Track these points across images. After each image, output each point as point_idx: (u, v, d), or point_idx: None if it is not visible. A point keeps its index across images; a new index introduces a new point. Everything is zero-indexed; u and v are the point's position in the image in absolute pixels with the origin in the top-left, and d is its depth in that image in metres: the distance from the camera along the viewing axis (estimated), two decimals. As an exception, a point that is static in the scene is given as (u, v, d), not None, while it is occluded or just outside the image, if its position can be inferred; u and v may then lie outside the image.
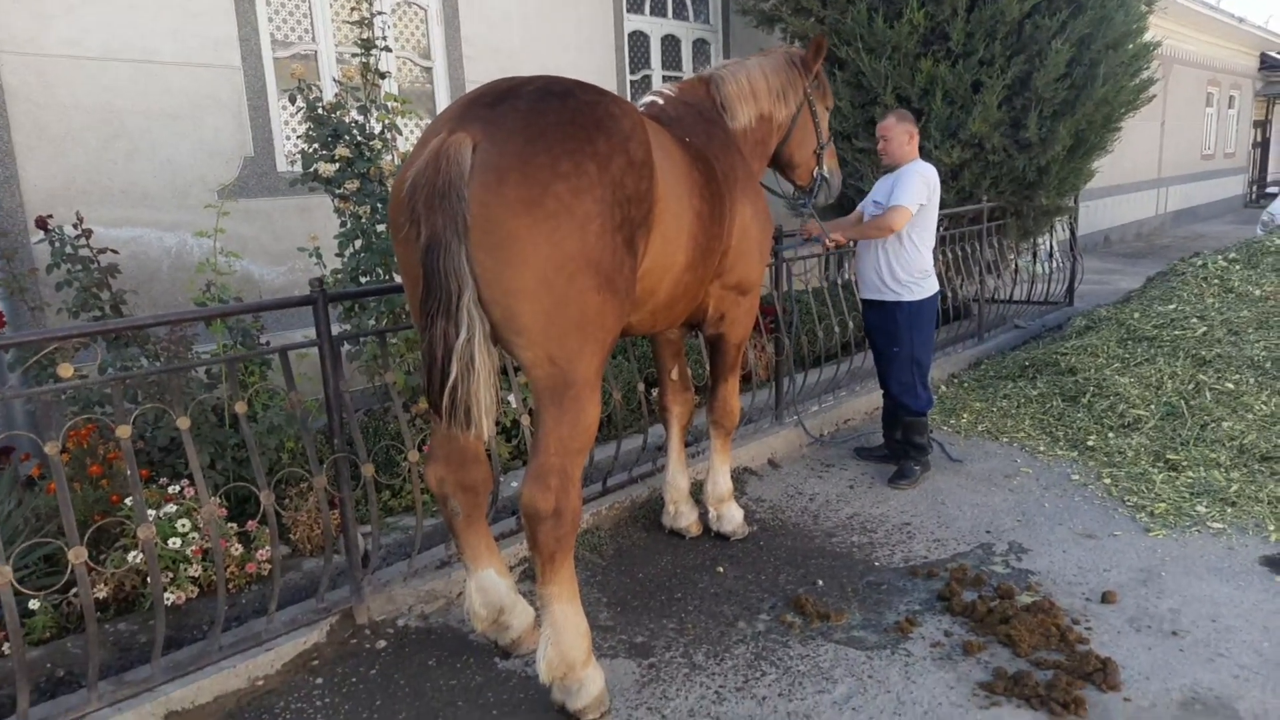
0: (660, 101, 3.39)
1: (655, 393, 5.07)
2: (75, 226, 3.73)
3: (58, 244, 3.79)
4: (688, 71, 7.96)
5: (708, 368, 3.82)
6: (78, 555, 2.31)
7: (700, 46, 8.11)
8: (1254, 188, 24.71)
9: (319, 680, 2.79)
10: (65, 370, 2.30)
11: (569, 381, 2.39)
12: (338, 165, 3.88)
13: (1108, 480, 4.33)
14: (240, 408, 2.79)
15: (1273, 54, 22.45)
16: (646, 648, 2.99)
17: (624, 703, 2.69)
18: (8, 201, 4.28)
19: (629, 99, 7.21)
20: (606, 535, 3.80)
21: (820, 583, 3.41)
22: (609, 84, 7.08)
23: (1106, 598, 3.22)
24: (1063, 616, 3.05)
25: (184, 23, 4.84)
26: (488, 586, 2.80)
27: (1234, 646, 2.89)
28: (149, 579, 3.06)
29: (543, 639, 2.54)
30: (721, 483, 3.80)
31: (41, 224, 3.81)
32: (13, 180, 4.32)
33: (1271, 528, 3.75)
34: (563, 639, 2.51)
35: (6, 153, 4.29)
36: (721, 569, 3.54)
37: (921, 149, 5.77)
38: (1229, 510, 3.91)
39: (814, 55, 3.83)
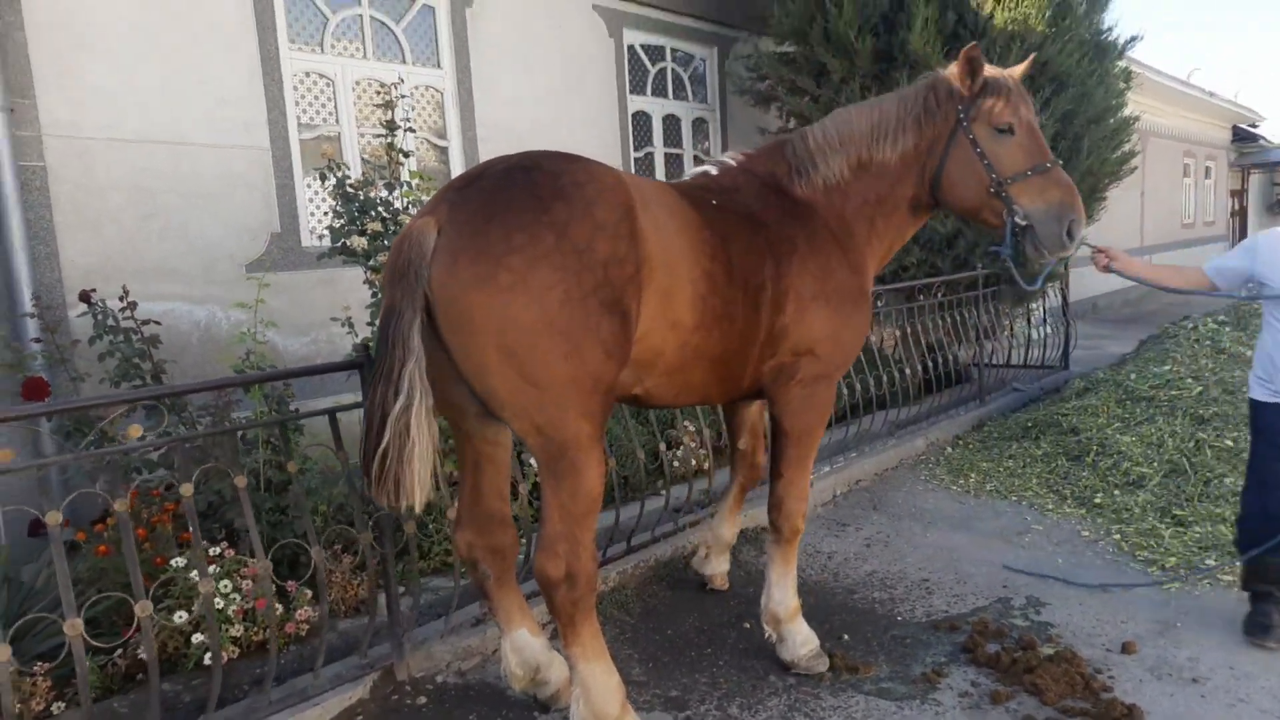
0: (714, 170, 3.20)
1: (679, 451, 5.22)
2: (121, 300, 3.88)
3: (100, 316, 3.93)
4: (688, 149, 8.30)
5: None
6: (144, 609, 2.40)
7: (699, 125, 8.46)
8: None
9: (363, 737, 2.83)
10: (135, 431, 2.42)
11: (561, 449, 2.43)
12: (369, 238, 4.06)
13: (1117, 536, 4.44)
14: (292, 467, 2.91)
15: (1243, 126, 23.32)
16: (681, 701, 3.04)
17: (664, 755, 2.74)
18: (48, 277, 4.44)
19: (634, 173, 7.51)
20: (633, 594, 3.87)
21: (846, 637, 3.48)
22: (614, 160, 7.37)
23: (1126, 648, 3.30)
24: (1085, 666, 3.12)
25: (216, 107, 5.09)
26: (522, 646, 2.88)
27: (1254, 692, 2.97)
28: (197, 636, 3.14)
29: (574, 698, 2.62)
30: (778, 597, 3.25)
31: (85, 298, 3.97)
32: (54, 257, 4.48)
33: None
34: (592, 696, 2.58)
35: (48, 231, 4.47)
36: (748, 625, 3.61)
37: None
38: (1239, 564, 4.01)
39: (964, 71, 3.06)
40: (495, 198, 2.41)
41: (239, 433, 3.93)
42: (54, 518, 2.28)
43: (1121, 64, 6.83)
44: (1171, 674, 3.11)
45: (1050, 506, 4.91)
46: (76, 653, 2.25)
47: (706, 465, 5.06)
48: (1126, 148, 7.14)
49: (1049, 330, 8.35)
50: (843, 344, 3.15)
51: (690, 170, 3.32)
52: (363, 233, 4.21)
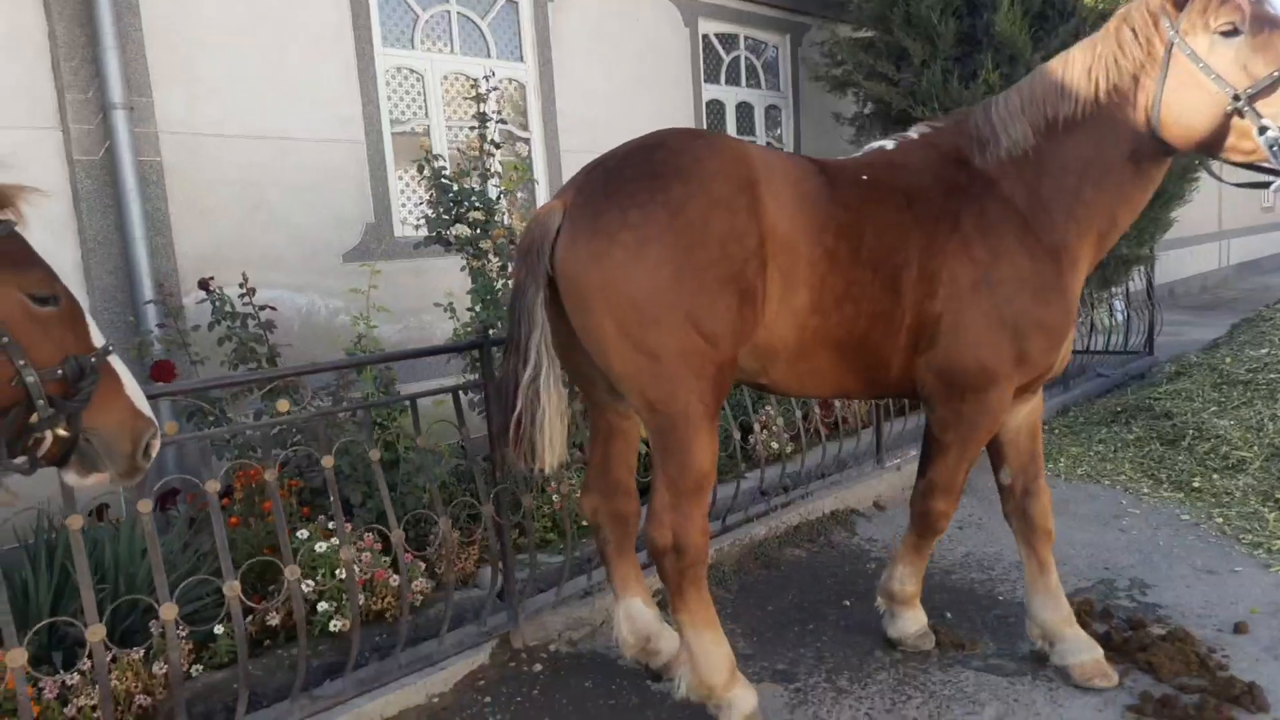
0: (890, 145, 2.97)
1: (752, 439, 5.26)
2: (241, 287, 4.08)
3: (218, 303, 4.14)
4: (760, 136, 8.30)
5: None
6: (232, 590, 2.51)
7: (771, 112, 8.46)
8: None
9: (488, 699, 2.95)
10: (283, 405, 2.57)
11: (671, 424, 2.49)
12: (473, 228, 4.18)
13: (1219, 519, 4.36)
14: (374, 455, 3.00)
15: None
16: (790, 674, 3.10)
17: (779, 721, 2.81)
18: (165, 266, 4.66)
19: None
20: (730, 571, 3.93)
21: (949, 615, 3.50)
22: (690, 150, 7.43)
23: (1239, 628, 3.26)
24: (1199, 645, 3.09)
25: (315, 104, 5.28)
26: (635, 614, 2.97)
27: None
28: (322, 604, 3.30)
29: (681, 663, 2.71)
30: (899, 577, 3.18)
31: (204, 285, 4.17)
32: (169, 248, 4.71)
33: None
34: (699, 665, 2.66)
35: (164, 223, 4.70)
36: (848, 603, 3.65)
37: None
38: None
39: None
40: (615, 177, 2.51)
41: (342, 413, 4.11)
42: (213, 485, 2.43)
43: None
44: (1290, 655, 3.07)
45: (1146, 490, 4.84)
46: (235, 614, 2.40)
47: (790, 450, 5.11)
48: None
49: (1130, 315, 8.17)
50: (1020, 341, 2.71)
51: (869, 145, 3.07)
52: (460, 221, 4.34)
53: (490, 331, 3.08)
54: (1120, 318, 8.14)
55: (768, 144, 8.30)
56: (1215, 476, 4.82)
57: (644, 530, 2.61)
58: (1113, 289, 7.78)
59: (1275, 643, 3.15)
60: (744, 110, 8.15)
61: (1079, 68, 2.70)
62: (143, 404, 1.85)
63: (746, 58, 8.12)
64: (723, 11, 7.69)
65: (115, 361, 1.85)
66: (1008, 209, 2.75)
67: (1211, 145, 2.62)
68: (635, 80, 6.97)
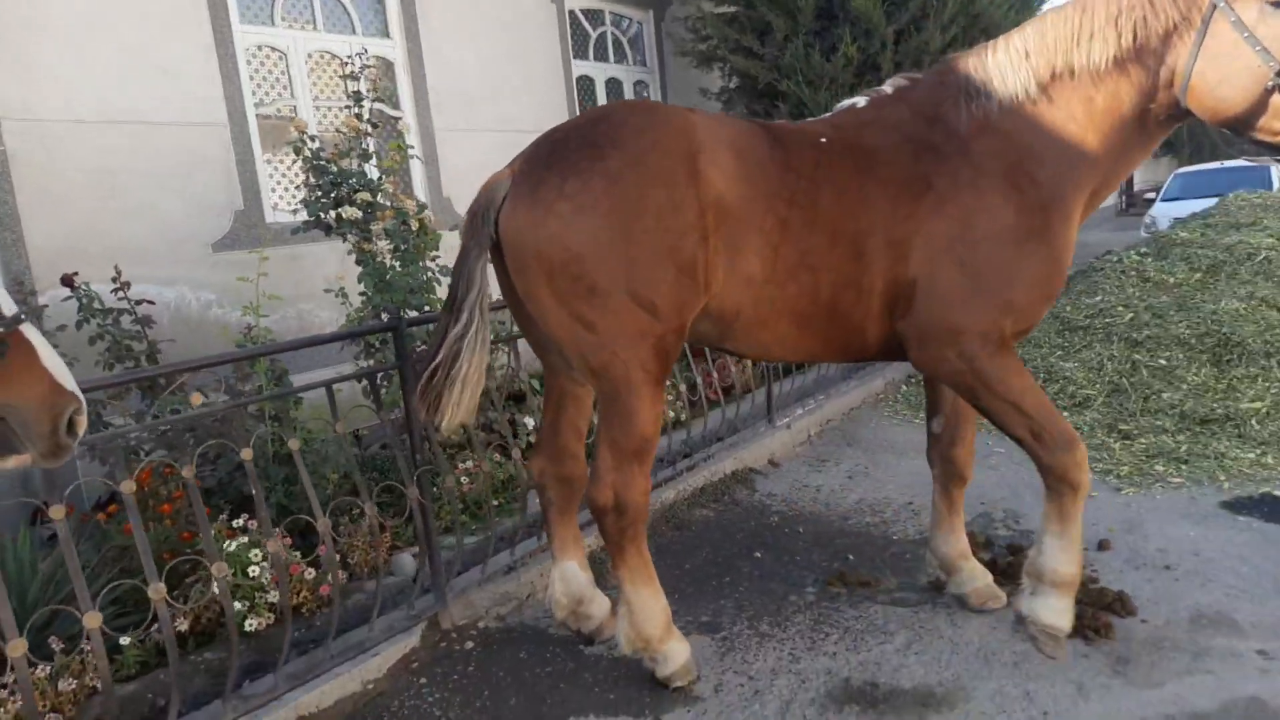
0: (862, 102, 2.87)
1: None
2: (114, 281, 3.82)
3: (85, 300, 3.86)
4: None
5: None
6: (158, 592, 2.42)
7: (640, 87, 8.56)
8: (1123, 198, 26.80)
9: (423, 680, 2.95)
10: (196, 398, 2.46)
11: (614, 389, 2.57)
12: (364, 210, 4.08)
13: (1073, 452, 4.83)
14: (294, 444, 2.91)
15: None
16: (714, 625, 3.25)
17: (711, 670, 2.95)
18: (18, 263, 4.31)
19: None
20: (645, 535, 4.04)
21: (850, 557, 3.75)
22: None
23: (1102, 546, 3.65)
24: (1070, 562, 3.46)
25: (172, 86, 4.97)
26: (569, 577, 3.05)
27: (1219, 573, 3.35)
28: (237, 604, 3.18)
29: (620, 617, 2.82)
30: (1047, 555, 2.86)
31: (68, 281, 3.89)
32: (20, 243, 4.35)
33: (1223, 478, 4.28)
34: (637, 618, 2.78)
35: (12, 216, 4.33)
36: (759, 554, 3.84)
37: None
38: (1183, 467, 4.44)
39: None
40: (559, 147, 2.56)
41: (246, 407, 3.94)
42: (129, 486, 2.31)
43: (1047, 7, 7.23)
44: (1146, 564, 3.47)
45: (1008, 431, 5.29)
46: (162, 616, 2.30)
47: (686, 416, 5.28)
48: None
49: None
50: (1007, 296, 2.62)
51: (841, 103, 2.96)
52: (344, 204, 4.22)
53: (403, 314, 3.03)
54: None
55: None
56: (1066, 414, 5.31)
57: (587, 490, 2.70)
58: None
59: (1133, 555, 3.55)
60: (613, 85, 8.22)
61: (1101, 17, 2.54)
62: (64, 377, 1.71)
63: (613, 33, 8.17)
64: (588, -13, 7.72)
65: (29, 331, 1.70)
66: (989, 163, 2.62)
67: (1241, 120, 2.49)
68: (505, 56, 6.90)
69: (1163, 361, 5.55)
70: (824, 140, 2.71)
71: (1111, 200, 25.22)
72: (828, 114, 2.96)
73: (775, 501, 4.50)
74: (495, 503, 4.11)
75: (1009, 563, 3.48)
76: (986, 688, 2.74)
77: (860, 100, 2.87)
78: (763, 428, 5.23)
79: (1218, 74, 2.44)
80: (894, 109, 2.78)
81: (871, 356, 2.93)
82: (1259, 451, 4.52)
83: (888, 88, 2.86)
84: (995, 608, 3.18)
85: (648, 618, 2.79)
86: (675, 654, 2.83)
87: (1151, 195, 25.76)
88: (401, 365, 2.97)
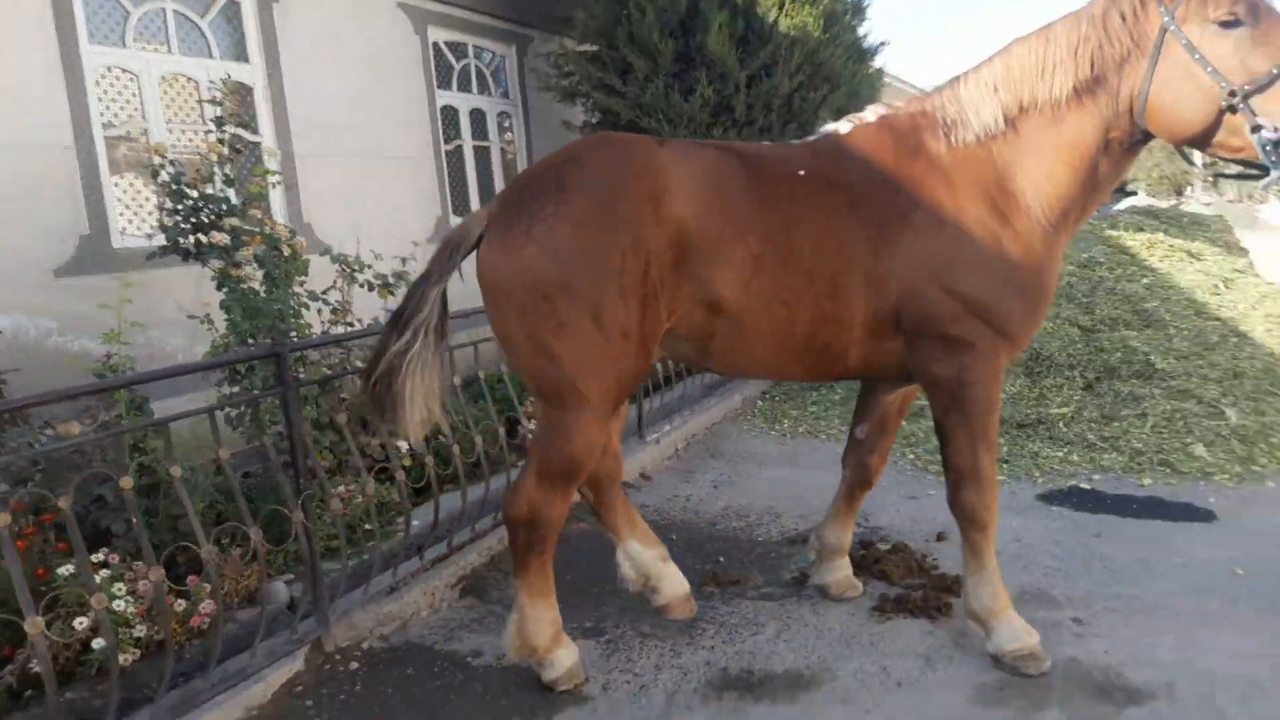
0: (845, 128, 2.89)
1: (520, 430, 5.49)
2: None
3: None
4: (494, 141, 8.53)
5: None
6: (35, 625, 2.32)
7: (504, 118, 8.72)
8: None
9: (309, 703, 2.94)
10: (73, 428, 2.41)
11: (559, 414, 2.69)
12: (233, 235, 4.02)
13: (912, 456, 5.31)
14: (176, 471, 2.85)
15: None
16: (598, 629, 3.40)
17: (597, 670, 3.09)
18: None
19: (444, 167, 7.66)
20: (524, 552, 4.15)
21: (721, 559, 3.99)
22: (427, 153, 7.49)
23: (940, 537, 4.07)
24: (916, 553, 3.83)
25: (12, 105, 4.72)
26: (634, 554, 3.30)
27: (1038, 555, 3.81)
28: (97, 642, 3.04)
29: (509, 625, 2.96)
30: (971, 593, 3.03)
31: (-104, 309, 3.62)
32: None
33: (1038, 475, 4.84)
34: (527, 628, 2.92)
35: None
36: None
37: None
38: (1005, 466, 4.98)
39: None
40: (528, 189, 2.69)
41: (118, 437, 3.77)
42: (4, 518, 2.23)
43: (876, 66, 7.92)
44: (977, 550, 3.89)
45: (857, 442, 5.73)
46: (40, 652, 2.22)
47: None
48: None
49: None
50: (994, 319, 2.70)
51: (824, 128, 2.98)
52: (204, 229, 4.15)
53: (285, 339, 3.04)
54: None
55: (502, 149, 8.56)
56: (905, 422, 5.81)
57: (503, 501, 2.81)
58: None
59: (966, 544, 3.97)
60: (477, 116, 8.34)
61: (1062, 48, 2.62)
62: None
63: (476, 65, 8.31)
64: (451, 20, 7.82)
65: None
66: (973, 194, 2.70)
67: (1198, 139, 2.57)
68: (369, 85, 6.90)
69: (987, 375, 6.17)
70: (803, 173, 2.75)
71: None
72: (811, 138, 2.99)
73: (649, 512, 4.70)
74: (369, 527, 4.11)
75: (861, 556, 3.82)
76: (849, 666, 3.02)
77: (844, 126, 2.90)
78: (634, 443, 5.43)
79: (1173, 96, 2.51)
80: (878, 137, 2.82)
81: (854, 377, 3.00)
82: (1066, 450, 5.13)
83: (869, 115, 2.89)
84: (853, 596, 3.48)
85: (538, 629, 2.92)
86: (562, 659, 2.96)
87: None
88: (284, 391, 2.98)
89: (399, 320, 2.70)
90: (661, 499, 4.88)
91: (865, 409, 3.36)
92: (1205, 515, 4.22)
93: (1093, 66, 2.60)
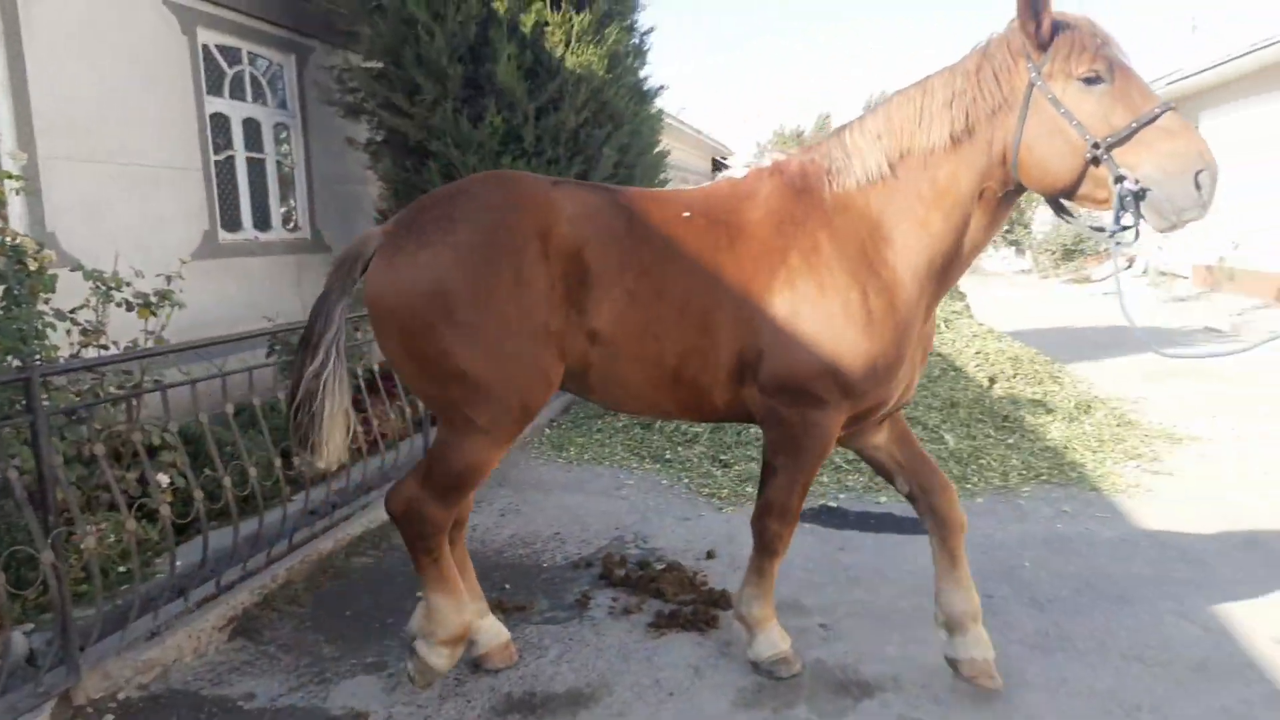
0: (739, 174, 3.04)
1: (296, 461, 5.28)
2: None
3: None
4: (270, 154, 8.12)
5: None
6: None
7: (280, 130, 8.33)
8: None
9: (58, 764, 2.71)
10: None
11: (448, 433, 2.85)
12: (-37, 245, 3.61)
13: (686, 480, 5.68)
14: None
15: (719, 159, 28.68)
16: (380, 664, 3.39)
17: (380, 705, 3.10)
18: None
19: (214, 179, 7.22)
20: (303, 588, 4.02)
21: (508, 586, 4.09)
22: (194, 163, 7.02)
23: (710, 555, 4.41)
24: (688, 571, 4.13)
25: None
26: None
27: (792, 569, 4.22)
28: None
29: (418, 611, 3.21)
30: (744, 600, 3.23)
31: None
32: None
33: (794, 494, 5.35)
34: (430, 616, 3.10)
35: None
36: (420, 594, 4.01)
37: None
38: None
39: (1025, 13, 2.58)
40: (421, 216, 2.82)
41: None
42: None
43: (656, 107, 8.39)
44: (742, 567, 4.18)
45: (635, 466, 6.04)
46: None
47: (337, 468, 5.26)
48: (663, 176, 8.78)
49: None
50: (848, 374, 2.76)
51: (721, 174, 3.14)
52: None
53: (34, 362, 2.79)
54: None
55: (279, 163, 8.17)
56: (680, 448, 6.22)
57: (386, 496, 2.98)
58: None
59: (733, 560, 4.33)
60: (251, 125, 7.91)
61: (939, 100, 2.72)
62: None
63: (251, 72, 7.89)
64: (223, 23, 7.39)
65: None
66: (844, 241, 2.78)
67: (1067, 191, 2.66)
68: (129, 85, 6.37)
69: (752, 403, 6.72)
70: (687, 215, 2.88)
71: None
72: (708, 183, 3.20)
73: (433, 542, 4.70)
74: (123, 569, 3.82)
75: (641, 575, 4.07)
76: (626, 681, 3.23)
77: (739, 171, 3.15)
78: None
79: (1041, 149, 2.61)
80: (769, 182, 2.94)
81: (721, 419, 3.08)
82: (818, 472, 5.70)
83: (767, 160, 3.03)
84: (988, 686, 3.09)
85: (441, 619, 3.05)
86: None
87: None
88: (35, 419, 2.75)
89: (309, 342, 2.79)
90: (446, 527, 4.88)
91: (881, 468, 3.29)
92: (928, 527, 4.88)
93: (966, 118, 2.69)
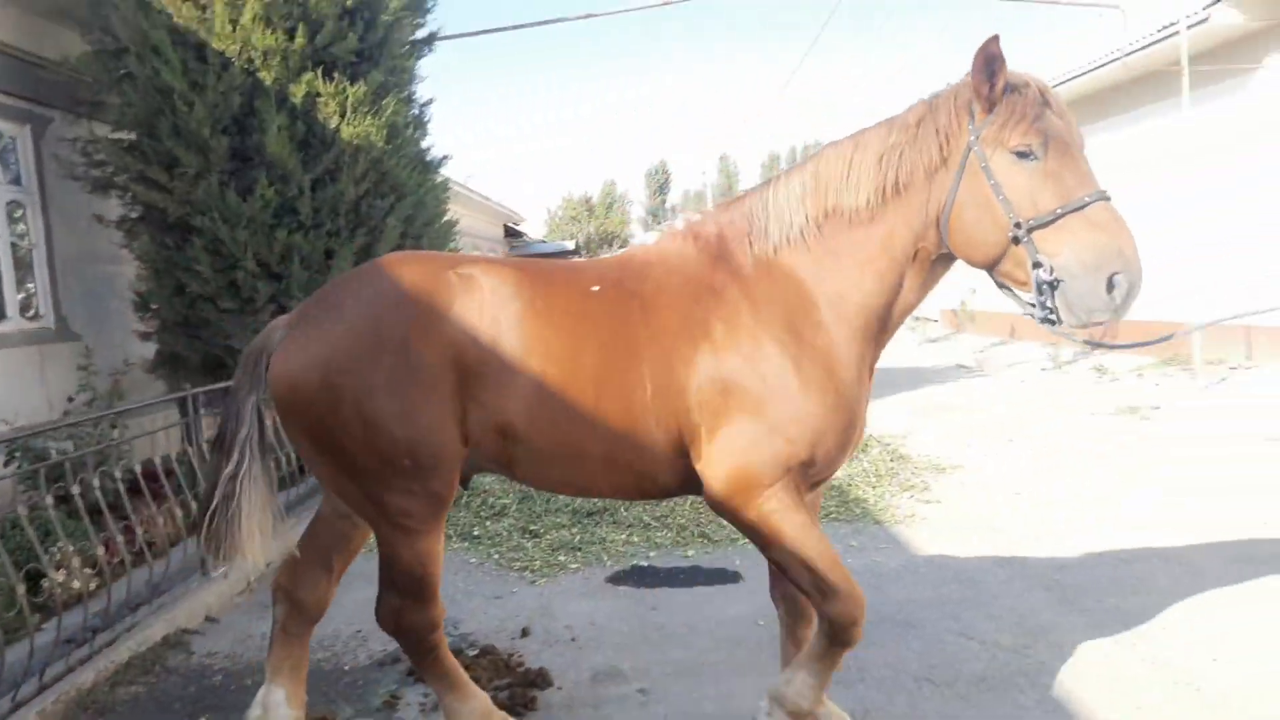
0: (650, 239, 2.77)
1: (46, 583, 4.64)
2: None
3: None
4: (3, 234, 7.23)
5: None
6: None
7: (15, 208, 7.46)
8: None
9: None
10: None
11: (378, 534, 2.82)
12: None
13: (496, 556, 5.55)
14: None
15: (510, 225, 28.91)
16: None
17: None
18: None
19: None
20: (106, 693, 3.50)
21: (306, 696, 3.76)
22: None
23: (524, 633, 4.31)
24: (501, 654, 4.00)
25: None
26: (271, 704, 3.09)
27: (608, 635, 4.21)
28: None
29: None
30: (796, 688, 2.78)
31: None
32: None
33: (606, 559, 5.36)
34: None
35: None
36: (206, 717, 3.62)
37: (283, 309, 6.43)
38: (578, 554, 5.44)
39: (981, 73, 2.40)
40: (318, 304, 2.78)
41: None
42: None
43: (441, 176, 8.32)
44: (557, 640, 4.19)
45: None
46: None
47: (95, 586, 4.65)
48: (452, 245, 8.68)
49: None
50: (796, 447, 2.53)
51: (633, 241, 2.98)
52: None
53: None
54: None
55: (12, 244, 7.30)
56: (488, 523, 6.08)
57: (376, 617, 2.93)
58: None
59: (548, 635, 4.26)
60: (-24, 205, 7.04)
61: (871, 155, 2.55)
62: None
63: (-24, 146, 7.05)
64: (-60, 91, 6.58)
65: None
66: (770, 307, 2.58)
67: (988, 266, 2.52)
68: None
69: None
70: (596, 289, 2.67)
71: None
72: (621, 250, 3.03)
73: (218, 659, 4.27)
74: None
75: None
76: (443, 784, 3.05)
77: (650, 237, 3.01)
78: (195, 582, 4.90)
79: (969, 217, 2.46)
80: (682, 246, 2.76)
81: (675, 494, 2.82)
82: (628, 533, 5.77)
83: (679, 223, 2.83)
84: None
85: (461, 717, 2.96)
86: None
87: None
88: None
89: (223, 442, 2.73)
90: (232, 642, 4.46)
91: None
92: (734, 576, 5.02)
93: (899, 175, 2.53)
